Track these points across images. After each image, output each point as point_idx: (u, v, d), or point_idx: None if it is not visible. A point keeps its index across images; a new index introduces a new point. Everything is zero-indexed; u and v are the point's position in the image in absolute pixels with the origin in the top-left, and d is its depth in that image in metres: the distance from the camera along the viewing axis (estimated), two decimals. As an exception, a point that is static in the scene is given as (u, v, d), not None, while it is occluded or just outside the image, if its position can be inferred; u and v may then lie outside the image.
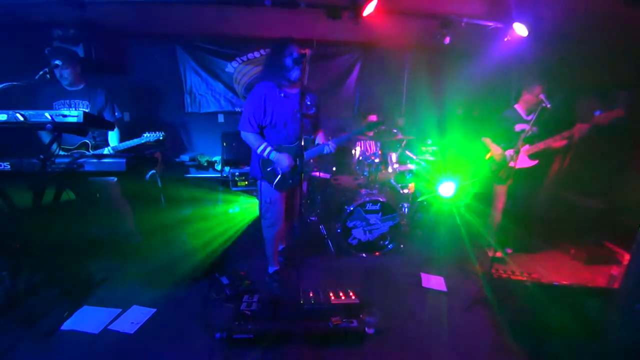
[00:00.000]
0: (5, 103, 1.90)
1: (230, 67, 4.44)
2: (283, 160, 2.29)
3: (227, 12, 3.39)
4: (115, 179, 2.93)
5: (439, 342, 2.11)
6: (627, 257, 2.53)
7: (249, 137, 2.32)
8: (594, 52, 3.73)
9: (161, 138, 2.95)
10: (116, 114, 3.00)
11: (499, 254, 3.09)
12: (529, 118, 2.86)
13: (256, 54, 4.39)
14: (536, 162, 2.93)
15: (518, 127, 2.91)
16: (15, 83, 1.98)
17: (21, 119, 1.78)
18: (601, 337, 1.67)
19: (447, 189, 3.40)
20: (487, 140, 3.09)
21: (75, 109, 2.78)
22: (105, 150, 2.84)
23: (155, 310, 2.28)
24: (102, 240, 3.08)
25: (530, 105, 2.87)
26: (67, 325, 2.10)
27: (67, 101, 2.82)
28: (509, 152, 2.93)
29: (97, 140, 2.93)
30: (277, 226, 2.52)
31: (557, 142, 2.77)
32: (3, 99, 1.90)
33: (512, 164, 2.69)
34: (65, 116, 1.79)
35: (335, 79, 4.67)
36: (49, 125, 1.80)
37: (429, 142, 4.36)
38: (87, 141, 2.85)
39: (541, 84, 2.76)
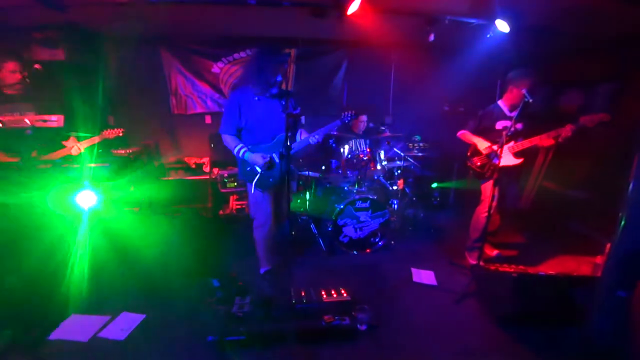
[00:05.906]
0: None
1: (216, 68, 4.39)
2: (257, 159, 2.38)
3: (212, 12, 3.36)
4: None
5: (431, 336, 2.14)
6: (609, 246, 2.59)
7: (227, 139, 2.45)
8: (575, 46, 3.81)
9: (121, 135, 2.95)
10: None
11: (489, 251, 3.14)
12: (512, 114, 2.75)
13: (242, 54, 4.34)
14: (521, 160, 2.79)
15: (499, 125, 2.81)
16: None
17: (-1, 125, 1.74)
18: (585, 323, 1.72)
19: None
20: (467, 134, 2.92)
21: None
22: None
23: (145, 315, 2.25)
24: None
25: (514, 101, 2.75)
26: (55, 335, 2.05)
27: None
28: (494, 148, 2.77)
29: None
30: (266, 226, 2.57)
31: (544, 141, 2.67)
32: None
33: (495, 161, 2.61)
34: (45, 121, 1.75)
35: (322, 78, 4.64)
36: (29, 130, 1.76)
37: (417, 138, 4.41)
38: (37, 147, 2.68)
39: (527, 78, 2.62)
